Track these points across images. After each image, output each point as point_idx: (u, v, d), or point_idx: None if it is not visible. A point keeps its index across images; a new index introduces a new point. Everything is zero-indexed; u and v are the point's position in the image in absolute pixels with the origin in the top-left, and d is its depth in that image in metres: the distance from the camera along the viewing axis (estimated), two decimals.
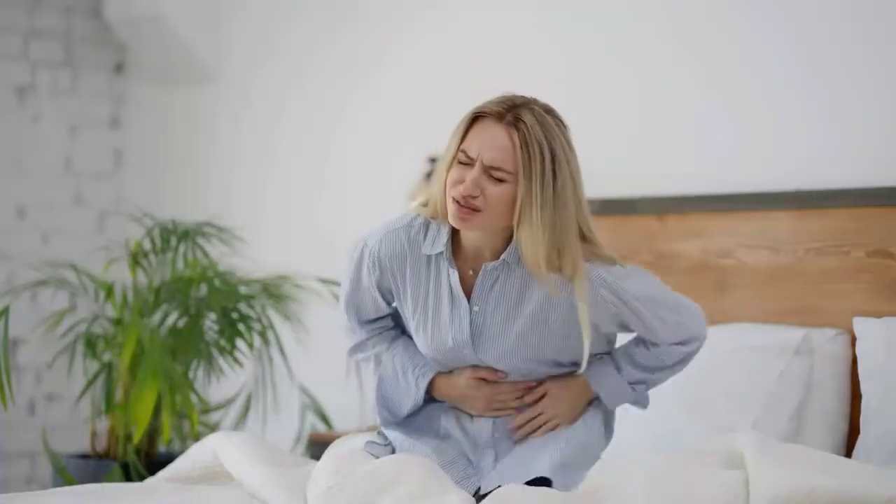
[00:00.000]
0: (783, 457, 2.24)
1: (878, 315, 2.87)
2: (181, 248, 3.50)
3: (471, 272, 2.42)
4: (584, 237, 2.35)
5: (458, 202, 2.31)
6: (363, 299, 2.53)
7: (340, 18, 4.30)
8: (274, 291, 3.63)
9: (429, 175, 3.61)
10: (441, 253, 2.41)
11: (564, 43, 3.56)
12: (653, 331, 2.45)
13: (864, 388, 2.79)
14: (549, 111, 2.33)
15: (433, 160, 3.68)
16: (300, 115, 4.41)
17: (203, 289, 3.54)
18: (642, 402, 2.56)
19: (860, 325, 2.86)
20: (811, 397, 2.93)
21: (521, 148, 2.28)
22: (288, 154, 4.45)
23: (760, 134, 3.25)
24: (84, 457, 3.58)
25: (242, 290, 3.59)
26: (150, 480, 2.70)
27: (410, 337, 2.55)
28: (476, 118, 2.33)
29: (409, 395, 2.51)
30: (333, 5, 4.34)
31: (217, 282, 3.53)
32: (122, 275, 3.80)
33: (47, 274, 3.77)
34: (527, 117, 2.29)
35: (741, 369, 2.95)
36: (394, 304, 2.54)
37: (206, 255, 3.54)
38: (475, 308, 2.41)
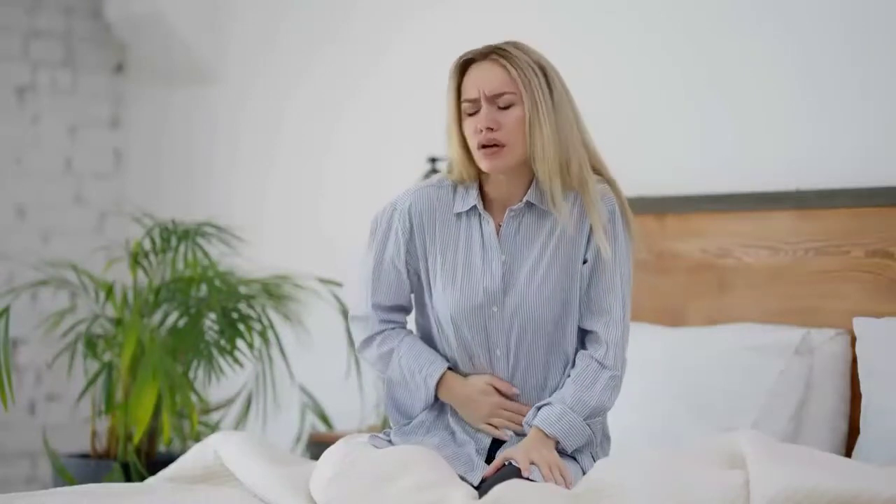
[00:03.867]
0: (783, 456, 2.24)
1: (878, 315, 2.87)
2: (181, 248, 3.50)
3: (499, 226, 2.49)
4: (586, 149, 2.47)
5: (482, 146, 2.41)
6: (386, 275, 2.54)
7: (340, 18, 4.30)
8: (274, 291, 3.63)
9: (428, 175, 3.61)
10: (472, 209, 2.49)
11: (564, 43, 3.55)
12: (597, 277, 2.45)
13: (864, 388, 2.79)
14: (515, 43, 2.45)
15: (433, 160, 3.68)
16: (300, 116, 4.41)
17: (203, 289, 3.54)
18: (592, 443, 2.50)
19: (860, 325, 2.86)
20: (811, 397, 2.93)
21: (515, 69, 2.40)
22: (288, 154, 4.45)
23: (760, 134, 3.25)
24: (84, 457, 3.58)
25: (242, 290, 3.59)
26: (150, 480, 2.70)
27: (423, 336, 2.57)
28: (462, 68, 2.44)
29: (420, 396, 2.52)
30: (333, 6, 4.34)
31: (217, 282, 3.53)
32: (122, 275, 3.80)
33: (47, 274, 3.77)
34: (509, 48, 2.42)
35: (741, 369, 2.95)
36: (412, 284, 2.55)
37: (206, 255, 3.54)
38: (504, 257, 2.46)
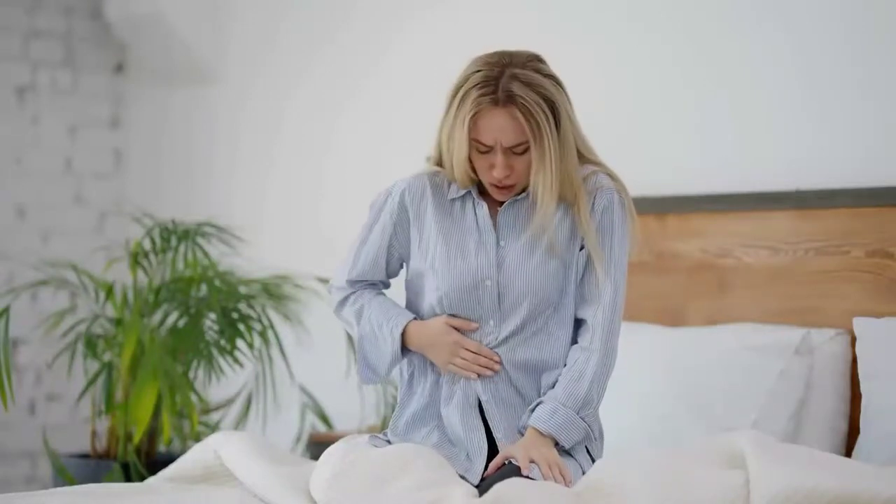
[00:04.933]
0: (783, 456, 2.24)
1: (878, 315, 2.87)
2: (181, 248, 3.51)
3: (496, 210, 2.54)
4: (581, 155, 2.50)
5: (495, 185, 2.47)
6: (366, 254, 2.60)
7: (340, 18, 4.30)
8: (274, 291, 3.63)
9: None
10: (466, 194, 2.54)
11: (564, 43, 3.55)
12: (591, 268, 2.48)
13: (864, 388, 2.80)
14: (523, 65, 2.43)
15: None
16: (300, 115, 4.41)
17: (203, 289, 3.54)
18: (590, 437, 2.51)
19: (860, 325, 2.86)
20: (811, 397, 2.93)
21: (526, 119, 2.40)
22: (288, 154, 4.45)
23: (760, 134, 3.25)
24: (84, 457, 3.58)
25: (242, 290, 3.59)
26: (150, 480, 2.70)
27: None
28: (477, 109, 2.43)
29: (387, 348, 2.54)
30: (333, 5, 4.34)
31: (217, 282, 3.54)
32: (122, 275, 3.81)
33: (47, 274, 3.77)
34: (515, 88, 2.40)
35: (741, 369, 2.96)
36: (391, 269, 2.61)
37: (206, 255, 3.54)
38: (501, 242, 2.50)
